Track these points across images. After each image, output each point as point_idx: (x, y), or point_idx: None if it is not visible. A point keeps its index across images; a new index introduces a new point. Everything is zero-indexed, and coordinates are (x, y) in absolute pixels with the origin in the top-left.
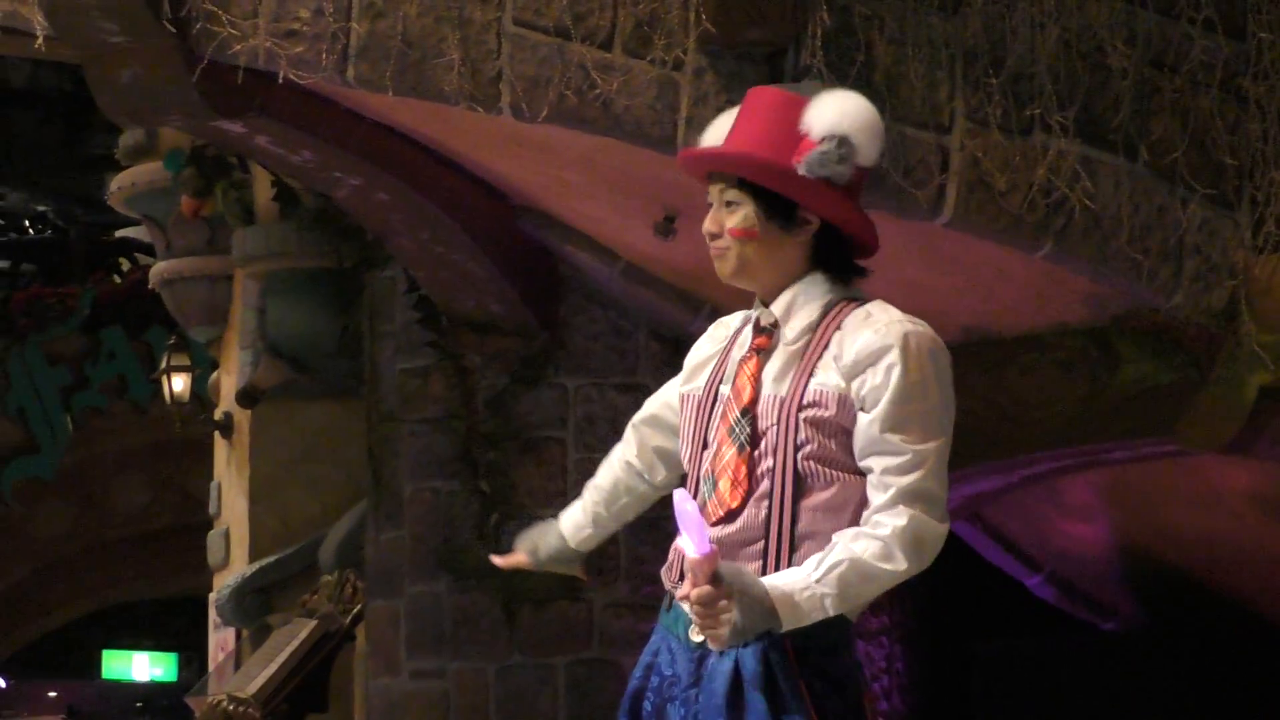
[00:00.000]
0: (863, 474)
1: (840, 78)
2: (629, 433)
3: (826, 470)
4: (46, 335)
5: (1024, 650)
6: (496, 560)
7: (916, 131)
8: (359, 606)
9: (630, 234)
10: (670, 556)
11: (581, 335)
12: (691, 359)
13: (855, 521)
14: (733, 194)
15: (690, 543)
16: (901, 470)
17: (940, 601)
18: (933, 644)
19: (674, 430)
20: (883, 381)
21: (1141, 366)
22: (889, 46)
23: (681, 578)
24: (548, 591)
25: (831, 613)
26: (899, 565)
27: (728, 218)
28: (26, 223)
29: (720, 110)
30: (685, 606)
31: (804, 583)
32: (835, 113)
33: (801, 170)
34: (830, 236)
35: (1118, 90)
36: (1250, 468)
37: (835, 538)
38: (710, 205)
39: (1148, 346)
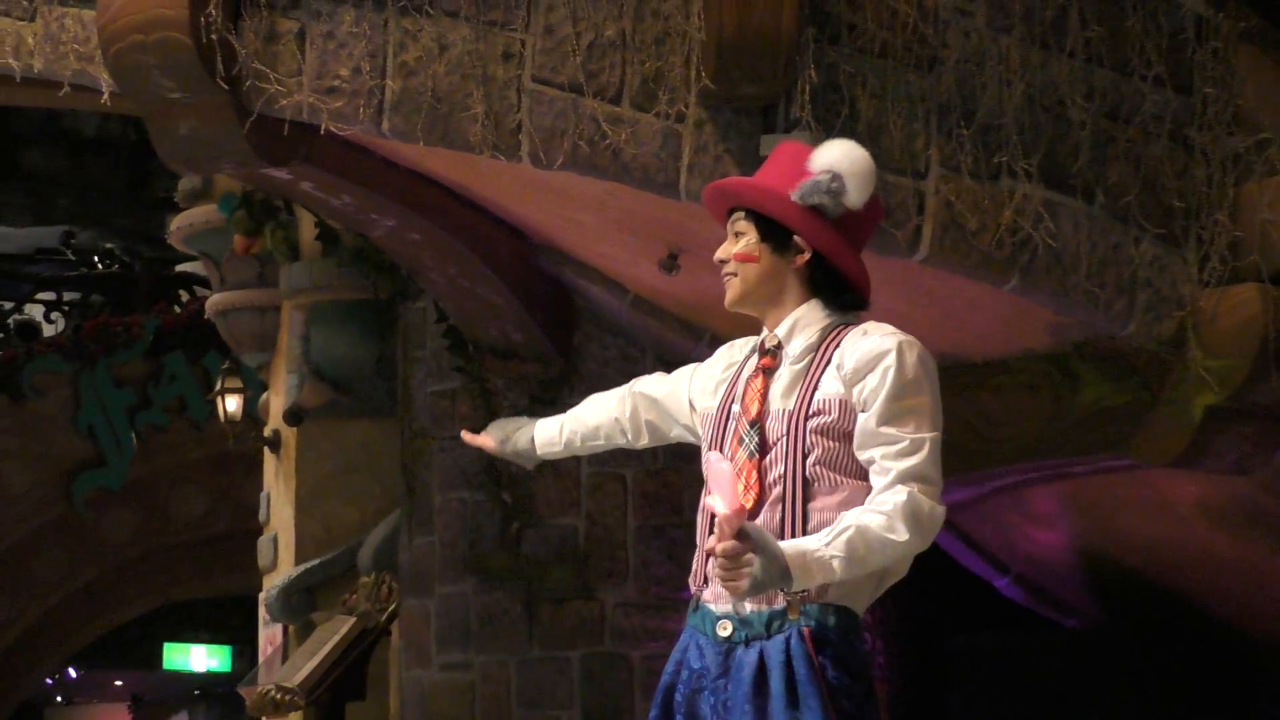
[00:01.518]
0: (866, 478)
1: (827, 129)
2: (626, 395)
3: (833, 475)
4: (114, 360)
5: (994, 644)
6: (466, 436)
7: (895, 177)
8: (394, 605)
9: (638, 269)
10: (694, 565)
11: (594, 361)
12: (707, 375)
13: (846, 502)
14: (741, 224)
15: (720, 500)
16: (900, 455)
17: (919, 600)
18: (912, 638)
19: (672, 418)
20: (879, 382)
21: (1099, 388)
22: (871, 101)
23: (706, 581)
24: (564, 592)
25: (839, 574)
26: (900, 536)
27: (734, 245)
28: (96, 258)
29: (718, 158)
30: (711, 565)
31: (815, 546)
32: (837, 153)
33: (794, 195)
34: (825, 269)
35: (1077, 140)
36: (1197, 479)
37: (843, 514)
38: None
39: (1105, 370)
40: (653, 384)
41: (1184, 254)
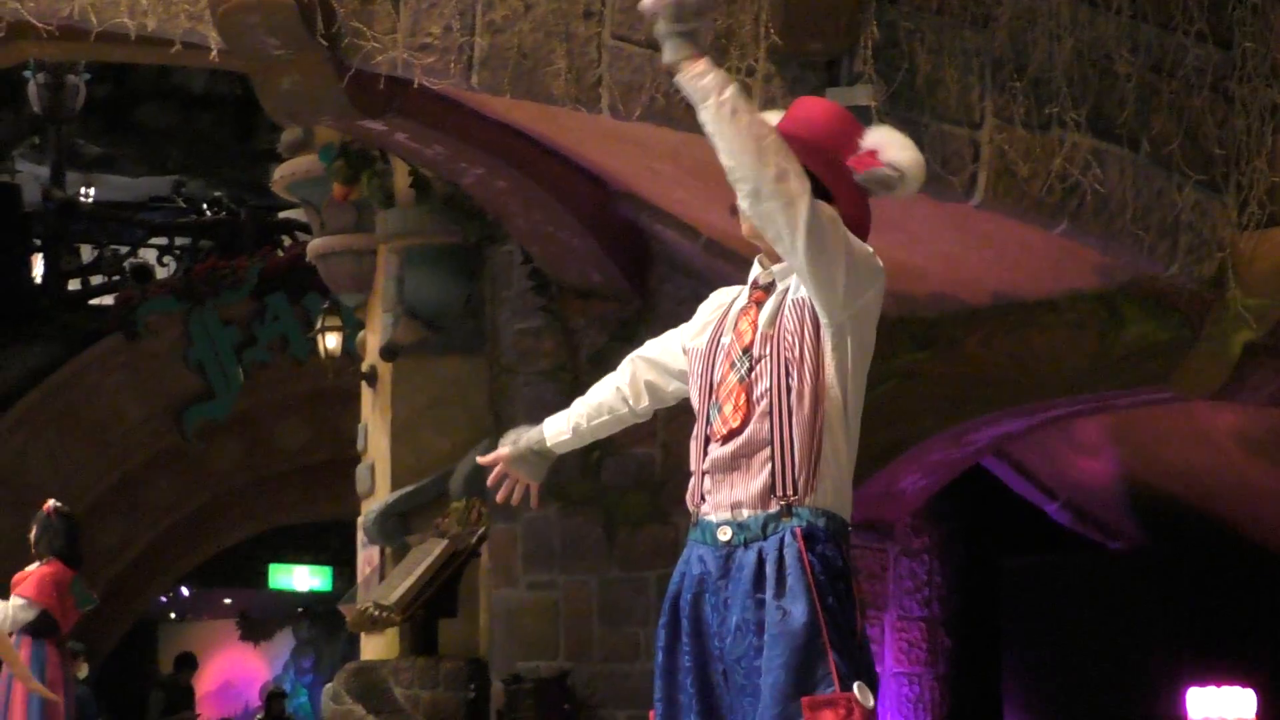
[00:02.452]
0: (823, 376)
1: (888, 82)
2: (624, 364)
3: (803, 375)
4: (222, 300)
5: (1043, 565)
6: (481, 460)
7: (952, 128)
8: (483, 529)
9: (710, 214)
10: (690, 486)
11: (669, 300)
12: (697, 320)
13: (821, 414)
14: None
15: None
16: None
17: (973, 524)
18: (967, 560)
19: (668, 371)
20: None
21: (1143, 326)
22: (929, 56)
23: (703, 498)
24: (641, 517)
25: (709, 104)
26: (765, 161)
27: None
28: (205, 206)
29: (786, 109)
30: (705, 484)
31: (723, 80)
32: (910, 156)
33: (860, 177)
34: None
35: (1123, 92)
36: (1235, 411)
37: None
38: None
39: (1148, 309)
40: (647, 347)
41: (1224, 199)
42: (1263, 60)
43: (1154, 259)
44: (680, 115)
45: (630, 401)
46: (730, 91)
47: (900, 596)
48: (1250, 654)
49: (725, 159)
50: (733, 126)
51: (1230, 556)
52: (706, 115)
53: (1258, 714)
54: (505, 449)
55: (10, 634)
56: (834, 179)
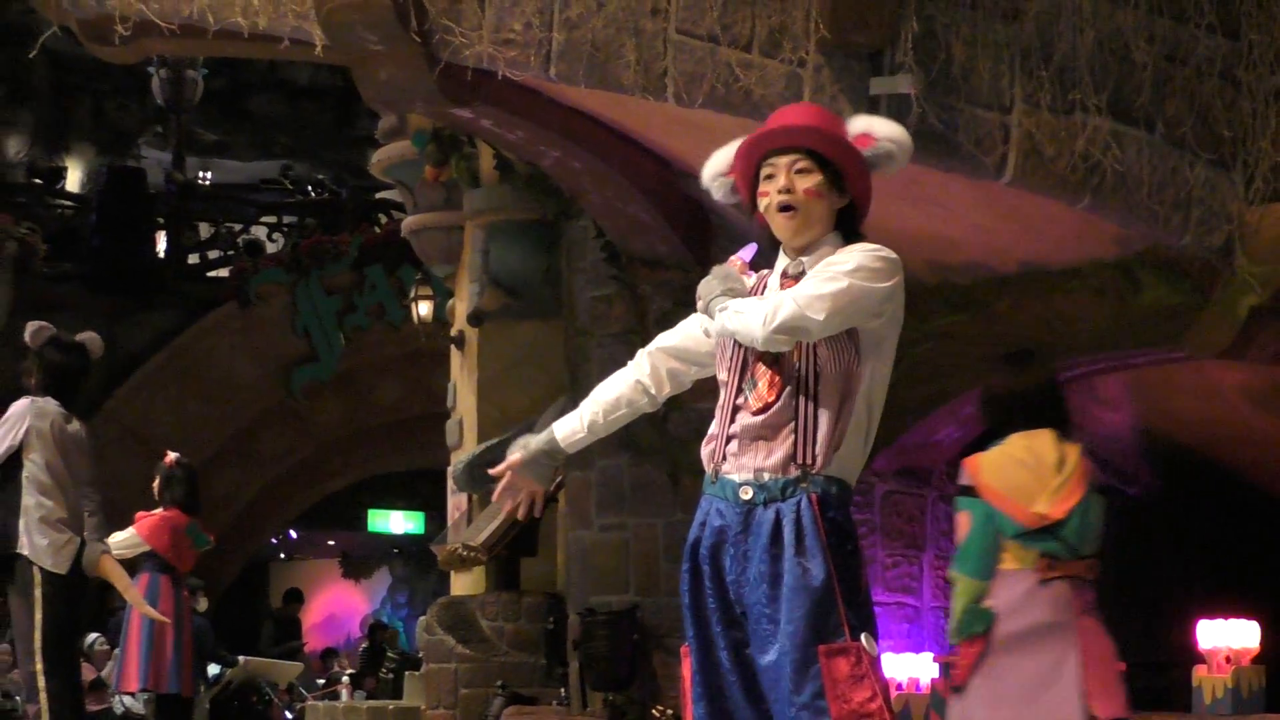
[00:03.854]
0: (855, 360)
1: (926, 71)
2: (641, 358)
3: (834, 359)
4: (325, 272)
5: None
6: (492, 471)
7: (985, 112)
8: (560, 476)
9: None
10: (713, 447)
11: None
12: None
13: (849, 393)
14: (805, 164)
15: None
16: (801, 287)
17: None
18: None
19: (691, 358)
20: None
21: (1158, 291)
22: (964, 47)
23: (725, 458)
24: (703, 465)
25: (719, 319)
26: (755, 326)
27: (801, 180)
28: (310, 187)
29: (834, 97)
30: (728, 445)
31: (728, 301)
32: (899, 131)
33: (867, 153)
34: (850, 211)
35: (1140, 78)
36: (1242, 368)
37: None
38: (771, 176)
39: (1163, 276)
40: (664, 338)
41: (1232, 176)
42: (1267, 49)
43: (1168, 231)
44: (738, 102)
45: (652, 391)
46: (730, 305)
47: (937, 538)
48: (1255, 589)
49: (741, 339)
50: (734, 322)
51: (1237, 500)
52: (717, 326)
53: (1261, 643)
54: (516, 455)
55: None
56: (848, 160)
